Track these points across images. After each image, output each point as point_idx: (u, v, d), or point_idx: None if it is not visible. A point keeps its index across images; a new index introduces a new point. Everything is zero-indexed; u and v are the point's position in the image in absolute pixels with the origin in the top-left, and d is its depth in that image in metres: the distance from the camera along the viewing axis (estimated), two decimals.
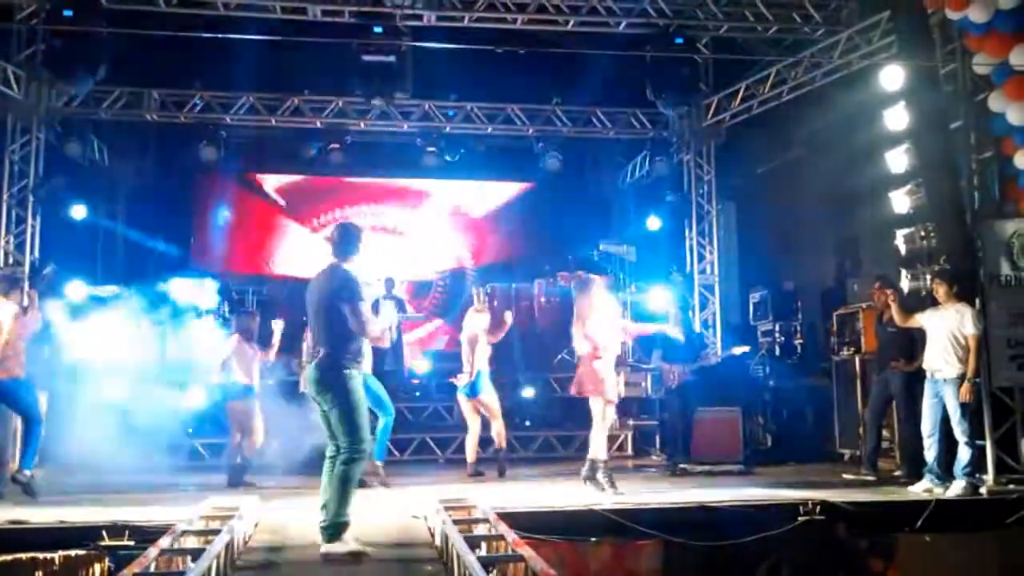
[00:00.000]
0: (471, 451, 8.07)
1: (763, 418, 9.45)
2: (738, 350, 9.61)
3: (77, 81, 9.72)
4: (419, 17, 9.79)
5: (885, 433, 7.89)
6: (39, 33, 9.86)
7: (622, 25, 10.07)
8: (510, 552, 4.33)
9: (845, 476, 7.62)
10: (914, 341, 7.20)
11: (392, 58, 9.54)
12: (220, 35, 9.29)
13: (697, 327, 11.03)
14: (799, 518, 5.98)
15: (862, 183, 9.58)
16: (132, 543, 5.11)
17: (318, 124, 11.39)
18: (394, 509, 6.07)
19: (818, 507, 6.03)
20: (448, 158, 11.83)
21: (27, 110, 10.07)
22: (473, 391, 7.97)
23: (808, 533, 5.95)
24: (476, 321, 8.14)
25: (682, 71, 10.09)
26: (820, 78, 10.05)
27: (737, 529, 5.87)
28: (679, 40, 9.97)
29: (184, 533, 4.75)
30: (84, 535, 5.20)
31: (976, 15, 7.65)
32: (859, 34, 9.50)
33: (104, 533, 5.20)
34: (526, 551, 4.21)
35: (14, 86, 9.91)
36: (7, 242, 10.03)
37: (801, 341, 10.60)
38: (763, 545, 5.90)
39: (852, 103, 9.62)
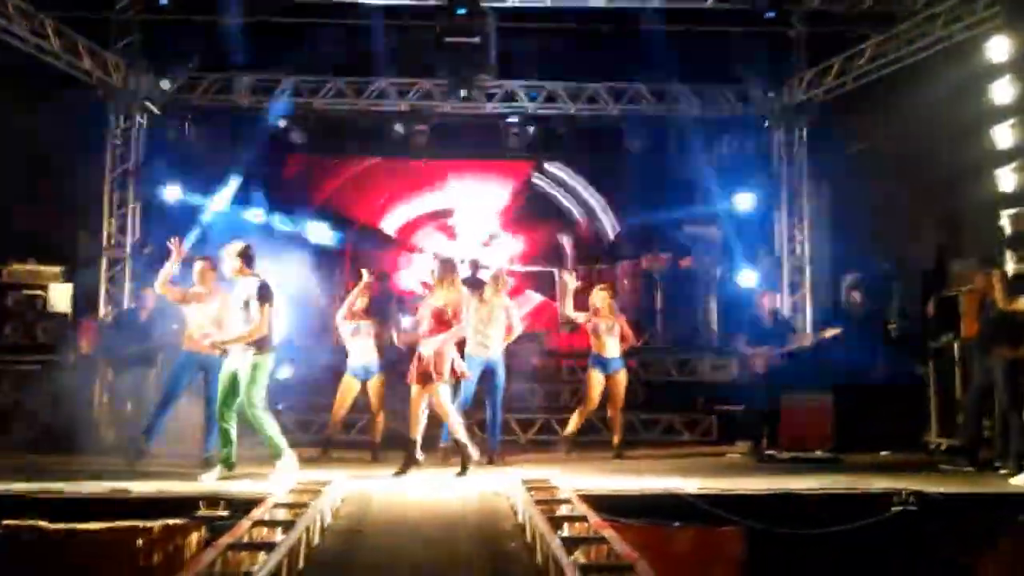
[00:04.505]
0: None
1: (855, 405, 9.15)
2: (828, 333, 9.29)
3: (172, 68, 10.09)
4: None
5: (985, 422, 7.55)
6: (137, 23, 10.27)
7: (710, 1, 9.82)
8: (592, 534, 4.32)
9: (942, 466, 7.34)
10: (1019, 326, 6.86)
11: (476, 39, 9.56)
12: (307, 20, 9.49)
13: (786, 311, 10.79)
14: (892, 508, 5.77)
15: (965, 161, 9.14)
16: (227, 514, 5.30)
17: (402, 107, 11.51)
18: (478, 487, 6.13)
19: (911, 497, 5.81)
20: (531, 138, 11.82)
21: (126, 97, 10.52)
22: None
23: (901, 525, 5.74)
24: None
25: (773, 47, 9.80)
26: (919, 51, 9.61)
27: (825, 519, 5.71)
28: (770, 14, 9.67)
29: (276, 505, 4.90)
30: (182, 505, 5.41)
31: None
32: (962, 4, 9.02)
33: (201, 504, 5.40)
34: (608, 533, 4.20)
35: (113, 74, 10.34)
36: (109, 224, 10.51)
37: (896, 325, 10.21)
38: (852, 536, 5.71)
39: (954, 77, 9.16)
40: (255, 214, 11.84)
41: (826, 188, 11.95)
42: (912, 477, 6.53)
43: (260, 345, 6.34)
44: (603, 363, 8.16)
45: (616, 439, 8.28)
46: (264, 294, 6.34)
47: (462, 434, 6.65)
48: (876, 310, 10.38)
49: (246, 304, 6.33)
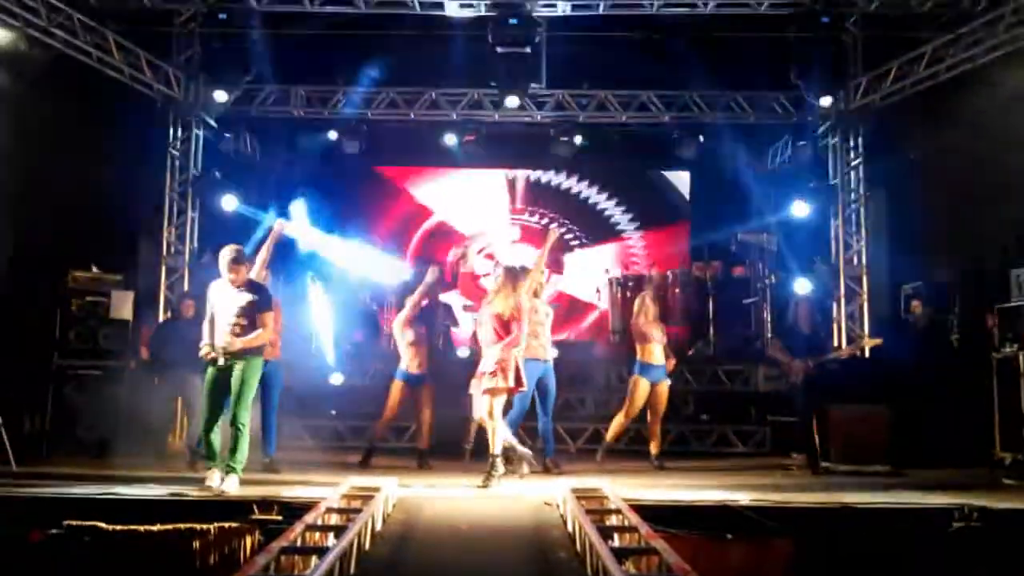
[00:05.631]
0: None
1: (915, 417, 8.91)
2: (868, 343, 9.06)
3: (231, 80, 10.32)
4: (553, 6, 9.78)
5: None
6: (196, 36, 10.54)
7: (764, 5, 9.70)
8: (643, 544, 4.28)
9: (1006, 481, 7.11)
10: None
11: (527, 49, 9.59)
12: (361, 32, 9.62)
13: (842, 321, 10.58)
14: (954, 524, 5.60)
15: None
16: (280, 518, 5.38)
17: (454, 116, 11.59)
18: (526, 495, 6.12)
19: (975, 513, 5.62)
20: (581, 147, 11.80)
21: (186, 108, 10.78)
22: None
23: (963, 542, 5.57)
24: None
25: (828, 52, 9.64)
26: (981, 55, 9.37)
27: (884, 534, 5.57)
28: (826, 19, 9.52)
29: (328, 510, 4.95)
30: (237, 509, 5.51)
31: None
32: None
33: (255, 507, 5.50)
34: (659, 544, 4.14)
35: (175, 86, 10.62)
36: (169, 233, 10.77)
37: (958, 336, 9.93)
38: (911, 553, 5.56)
39: (1018, 80, 8.90)
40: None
41: (884, 195, 11.69)
42: (975, 492, 6.33)
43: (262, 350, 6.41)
44: (649, 371, 8.08)
45: (654, 449, 8.18)
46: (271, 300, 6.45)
47: (499, 448, 6.62)
48: (937, 320, 10.11)
49: (250, 309, 6.28)
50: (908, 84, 10.20)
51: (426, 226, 13.48)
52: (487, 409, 6.60)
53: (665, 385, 8.17)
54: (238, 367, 6.23)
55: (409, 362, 7.95)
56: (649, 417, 8.22)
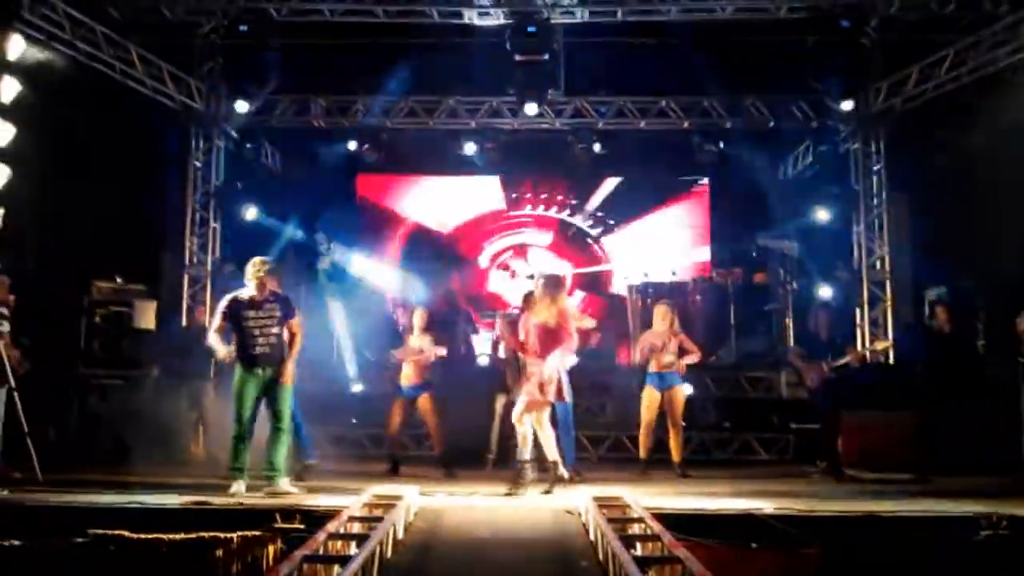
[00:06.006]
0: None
1: (940, 424, 8.81)
2: (880, 346, 8.95)
3: (251, 91, 10.42)
4: (571, 14, 9.79)
5: None
6: (217, 48, 10.65)
7: (783, 10, 9.67)
8: (666, 553, 4.24)
9: None
10: None
11: (545, 56, 9.61)
12: (380, 41, 9.68)
13: (865, 326, 10.48)
14: (982, 532, 5.52)
15: None
16: (303, 527, 5.38)
17: (472, 124, 11.61)
18: (548, 504, 6.10)
19: (1004, 521, 5.53)
20: (600, 154, 11.79)
21: (208, 120, 10.89)
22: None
23: (990, 551, 5.48)
24: None
25: (848, 56, 9.59)
26: (1004, 58, 9.27)
27: (909, 542, 5.49)
28: (845, 23, 9.46)
29: (350, 519, 4.96)
30: (260, 517, 5.51)
31: None
32: None
33: (278, 516, 5.50)
34: (683, 553, 4.11)
35: (196, 98, 10.73)
36: (192, 243, 10.87)
37: (984, 342, 9.81)
38: (938, 561, 5.48)
39: None
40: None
41: (906, 200, 11.59)
42: (1003, 500, 6.23)
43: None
44: (656, 379, 7.99)
45: (676, 457, 8.10)
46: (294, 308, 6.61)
47: (555, 454, 6.61)
48: (962, 326, 9.99)
49: (279, 318, 6.46)
50: (930, 87, 10.13)
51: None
52: (522, 416, 6.56)
53: (676, 391, 8.05)
54: (270, 372, 6.44)
55: (401, 376, 7.98)
56: (669, 426, 8.17)
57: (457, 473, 7.83)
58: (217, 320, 6.54)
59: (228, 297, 6.57)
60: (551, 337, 6.57)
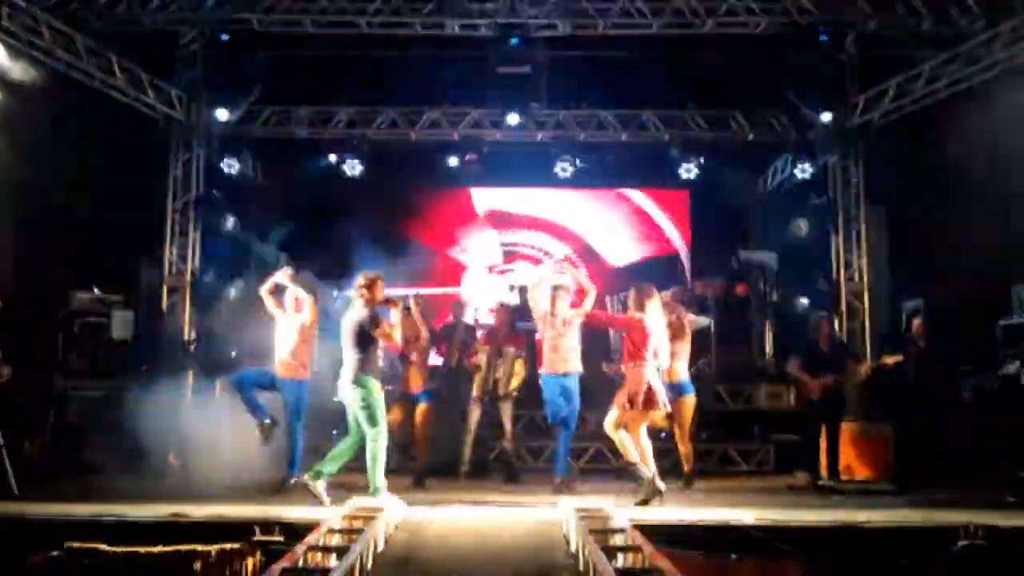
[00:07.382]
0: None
1: (919, 434, 8.88)
2: (890, 360, 9.04)
3: (232, 101, 10.38)
4: (554, 27, 9.85)
5: None
6: (199, 57, 10.60)
7: (761, 25, 9.78)
8: (647, 565, 4.25)
9: (1009, 498, 7.06)
10: None
11: (527, 68, 9.65)
12: (363, 52, 9.68)
13: (844, 338, 10.55)
14: (959, 542, 5.56)
15: None
16: (282, 539, 5.34)
17: (455, 136, 11.64)
18: (530, 515, 6.09)
19: (980, 531, 5.59)
20: (580, 167, 11.82)
21: (188, 129, 10.82)
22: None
23: (968, 561, 5.53)
24: None
25: (826, 70, 9.70)
26: (980, 73, 9.42)
27: (887, 553, 5.53)
28: (823, 37, 9.59)
29: (330, 531, 4.92)
30: (238, 530, 5.47)
31: None
32: None
33: (256, 529, 5.46)
34: (664, 564, 4.12)
35: (177, 107, 10.67)
36: (171, 252, 10.78)
37: (961, 353, 9.90)
38: (915, 571, 5.52)
39: (1018, 98, 8.95)
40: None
41: (883, 213, 11.73)
42: (980, 511, 6.29)
43: None
44: (670, 388, 7.98)
45: (686, 467, 8.00)
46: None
47: (636, 459, 6.65)
48: (939, 337, 10.10)
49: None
50: (907, 102, 10.26)
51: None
52: (615, 423, 6.63)
53: (688, 400, 7.93)
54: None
55: (409, 382, 7.97)
56: (676, 435, 8.07)
57: (427, 484, 7.80)
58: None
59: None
60: (638, 347, 6.66)
